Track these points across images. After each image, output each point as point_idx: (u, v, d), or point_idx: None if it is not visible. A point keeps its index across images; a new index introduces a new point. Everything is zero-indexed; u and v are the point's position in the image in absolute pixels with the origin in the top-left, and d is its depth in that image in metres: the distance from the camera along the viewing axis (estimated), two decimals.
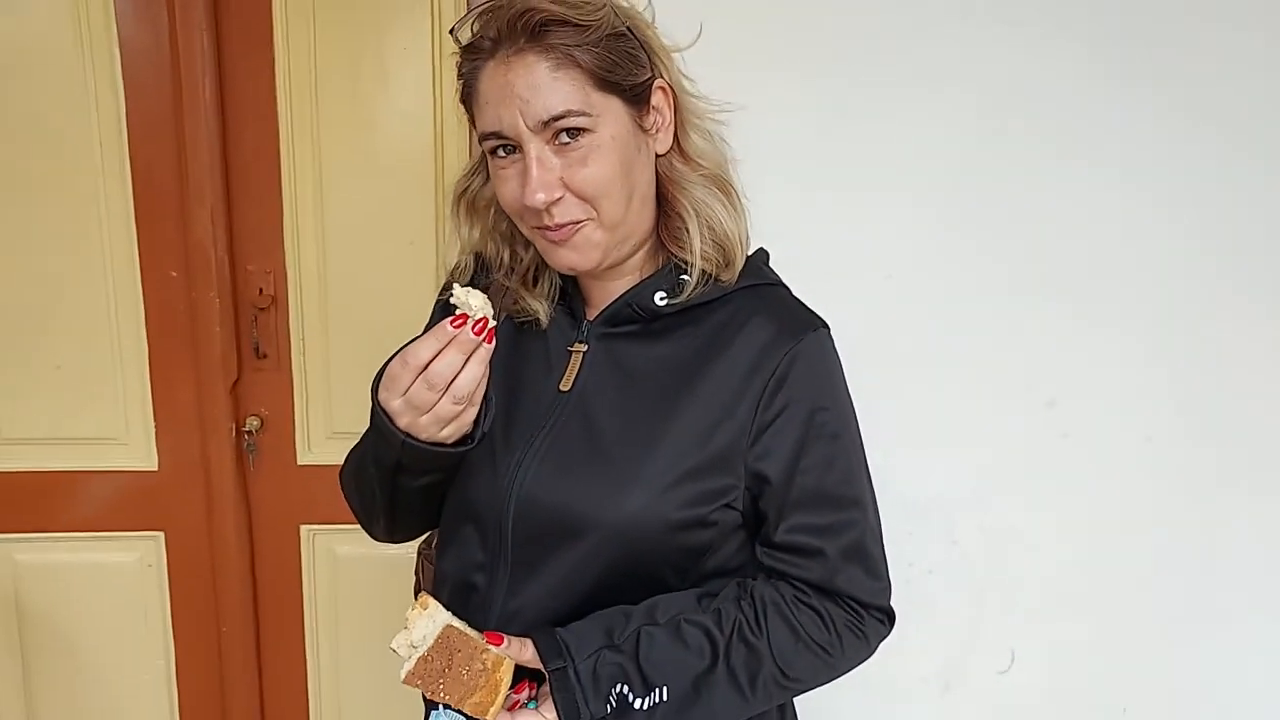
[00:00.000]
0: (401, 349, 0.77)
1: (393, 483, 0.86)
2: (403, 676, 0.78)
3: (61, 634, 1.67)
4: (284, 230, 1.57)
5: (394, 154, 1.54)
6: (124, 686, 1.70)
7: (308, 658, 1.71)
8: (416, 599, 0.79)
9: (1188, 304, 1.50)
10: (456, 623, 0.78)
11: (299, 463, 1.64)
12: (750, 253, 0.92)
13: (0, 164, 1.50)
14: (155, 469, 1.62)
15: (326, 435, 1.63)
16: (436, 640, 0.77)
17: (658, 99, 0.83)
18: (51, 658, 1.68)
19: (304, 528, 1.67)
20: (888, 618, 0.90)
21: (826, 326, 0.88)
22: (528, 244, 0.90)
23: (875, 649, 0.91)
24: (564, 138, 0.78)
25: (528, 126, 0.77)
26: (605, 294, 0.89)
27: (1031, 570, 1.59)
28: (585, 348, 0.88)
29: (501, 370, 0.88)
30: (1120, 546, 1.58)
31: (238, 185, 1.54)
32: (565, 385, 0.87)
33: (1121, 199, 1.46)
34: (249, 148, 1.53)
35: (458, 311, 0.76)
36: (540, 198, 0.78)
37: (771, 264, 0.96)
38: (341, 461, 0.99)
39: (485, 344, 0.75)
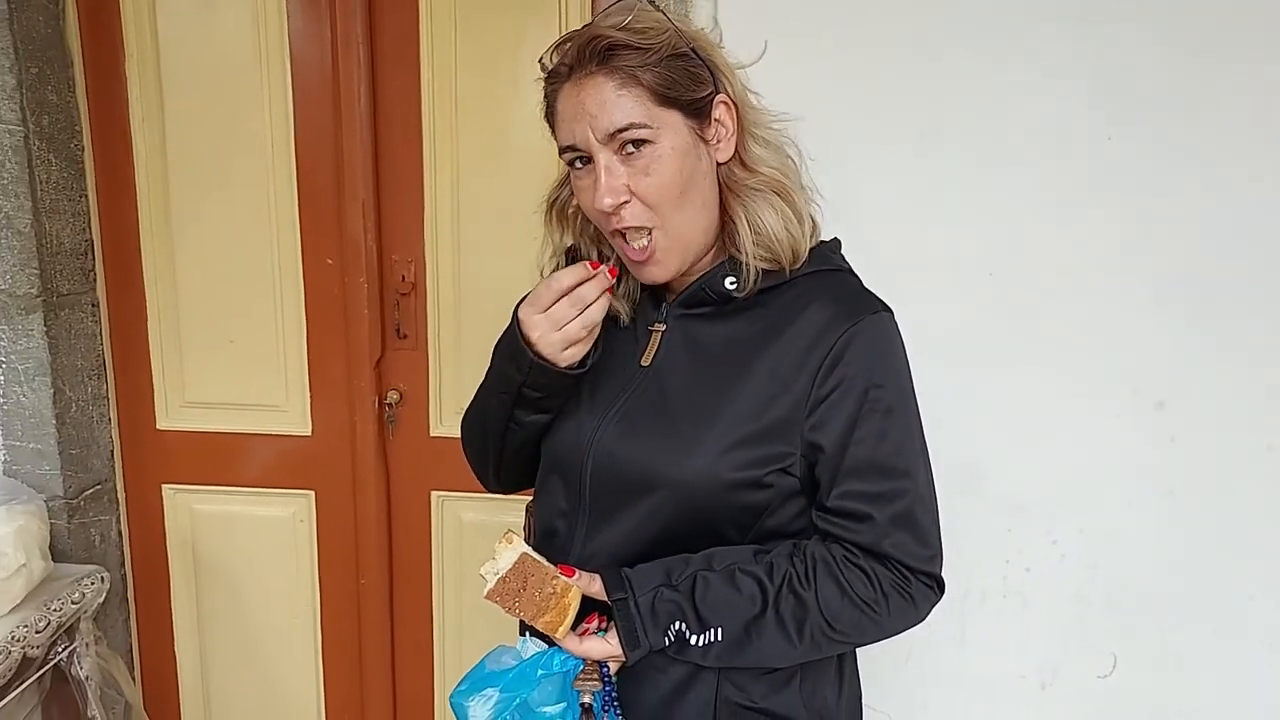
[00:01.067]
0: (530, 293, 0.93)
1: (509, 417, 0.99)
2: (484, 594, 0.90)
3: (228, 576, 1.90)
4: (424, 224, 1.73)
5: (522, 156, 1.67)
6: (277, 625, 1.91)
7: (434, 610, 1.87)
8: (503, 535, 0.92)
9: None
10: (533, 553, 0.90)
11: (431, 434, 1.80)
12: (824, 240, 0.99)
13: (188, 164, 1.73)
14: (309, 434, 1.82)
15: (456, 410, 1.78)
16: (514, 565, 0.89)
17: (720, 112, 0.91)
18: (220, 595, 1.91)
19: (434, 494, 1.83)
20: (937, 584, 0.95)
21: (888, 310, 0.94)
22: (612, 249, 1.00)
23: (925, 614, 0.96)
24: (629, 148, 0.88)
25: (596, 139, 0.88)
26: (682, 280, 0.99)
27: (1135, 575, 1.57)
28: (664, 327, 0.98)
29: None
30: (1232, 555, 1.53)
31: (386, 183, 1.71)
32: (646, 360, 0.98)
33: (1239, 196, 1.43)
34: (397, 150, 1.70)
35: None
36: (608, 202, 0.88)
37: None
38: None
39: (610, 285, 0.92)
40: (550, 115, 0.94)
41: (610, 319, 1.02)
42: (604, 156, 0.89)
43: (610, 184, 0.88)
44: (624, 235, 0.92)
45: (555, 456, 1.01)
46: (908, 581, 0.92)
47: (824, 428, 0.90)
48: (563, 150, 0.92)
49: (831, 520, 0.92)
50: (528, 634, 0.96)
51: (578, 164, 0.92)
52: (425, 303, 1.76)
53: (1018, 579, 1.60)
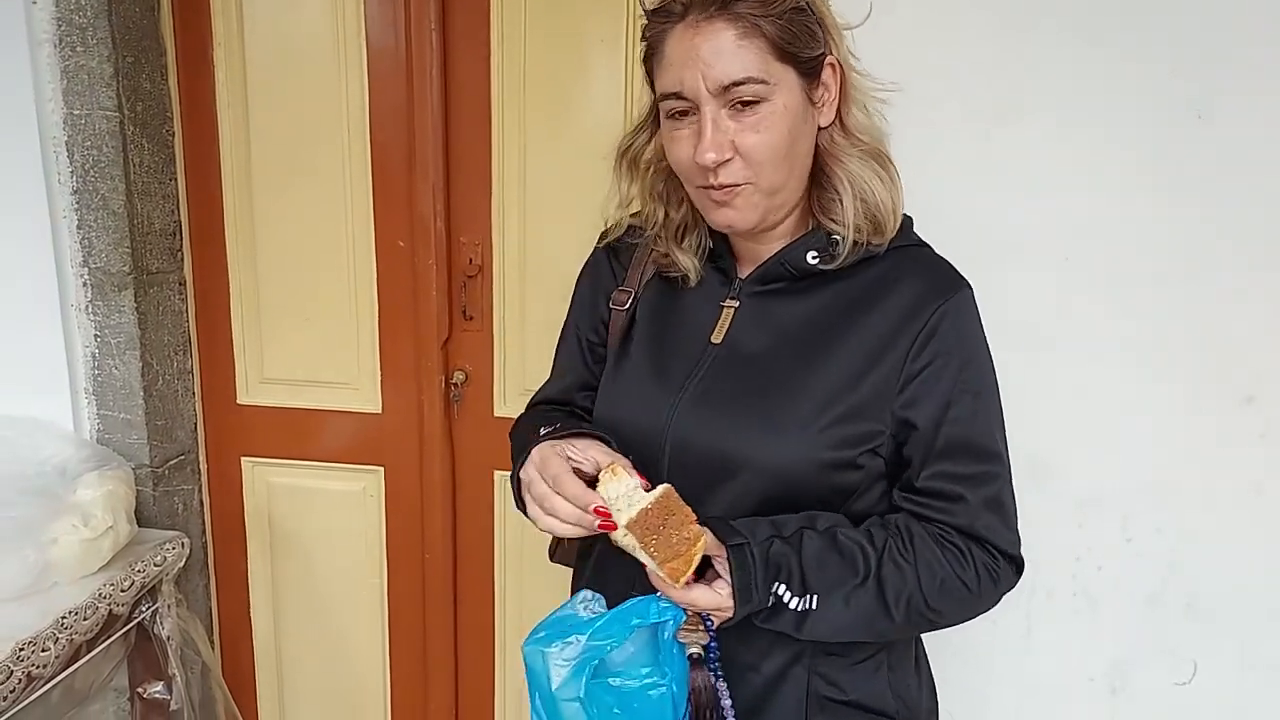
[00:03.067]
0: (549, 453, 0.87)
1: None
2: (624, 522, 0.81)
3: (301, 546, 1.96)
4: (492, 207, 1.75)
5: (588, 139, 1.68)
6: (347, 595, 1.97)
7: (495, 586, 1.91)
8: (606, 467, 0.85)
9: None
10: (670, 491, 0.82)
11: (495, 414, 1.83)
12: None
13: (270, 149, 1.79)
14: (379, 412, 1.87)
15: (519, 392, 1.81)
16: (659, 498, 0.80)
17: (826, 74, 0.88)
18: (293, 565, 1.98)
19: (497, 473, 1.85)
20: (1019, 568, 0.92)
21: (970, 286, 0.92)
22: (679, 204, 0.97)
23: (1001, 598, 0.93)
24: (739, 104, 0.84)
25: (708, 90, 0.83)
26: (755, 255, 0.95)
27: (1217, 577, 1.49)
28: (737, 304, 0.95)
29: (650, 321, 0.98)
30: None
31: (455, 166, 1.74)
32: (717, 338, 0.94)
33: None
34: (466, 134, 1.73)
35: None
36: (711, 157, 0.84)
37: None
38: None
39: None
40: (650, 58, 0.89)
41: (679, 278, 0.99)
42: (711, 109, 0.84)
43: (716, 139, 0.84)
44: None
45: (628, 439, 0.93)
46: (997, 563, 0.90)
47: (917, 405, 0.87)
48: (663, 97, 0.87)
49: (920, 501, 0.89)
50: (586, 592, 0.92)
51: (677, 114, 0.87)
52: (491, 285, 1.78)
53: (1088, 577, 1.54)
